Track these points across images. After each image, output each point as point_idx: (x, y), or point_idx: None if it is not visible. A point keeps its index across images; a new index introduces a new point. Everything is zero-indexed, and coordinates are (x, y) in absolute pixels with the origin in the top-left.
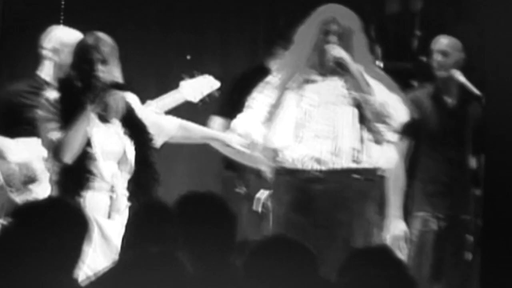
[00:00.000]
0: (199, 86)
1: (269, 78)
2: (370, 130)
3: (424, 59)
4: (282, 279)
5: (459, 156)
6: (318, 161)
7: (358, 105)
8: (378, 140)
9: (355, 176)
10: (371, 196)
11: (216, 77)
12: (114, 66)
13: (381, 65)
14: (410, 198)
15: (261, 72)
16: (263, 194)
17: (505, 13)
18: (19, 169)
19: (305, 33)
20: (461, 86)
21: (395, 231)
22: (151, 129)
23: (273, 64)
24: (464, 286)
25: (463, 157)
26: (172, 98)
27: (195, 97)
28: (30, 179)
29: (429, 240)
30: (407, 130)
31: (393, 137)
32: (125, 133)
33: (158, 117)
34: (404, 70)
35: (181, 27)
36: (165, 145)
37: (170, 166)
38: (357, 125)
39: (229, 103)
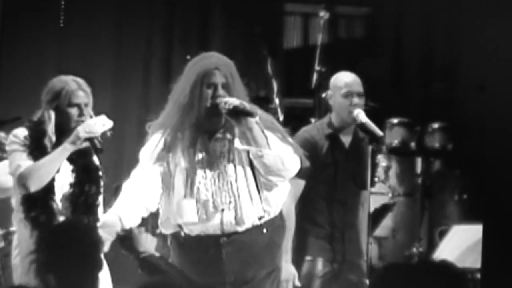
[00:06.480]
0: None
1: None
2: (261, 181)
3: (324, 95)
4: None
5: (353, 200)
6: (222, 231)
7: (249, 160)
8: (269, 187)
9: (263, 231)
10: (279, 243)
11: None
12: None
13: (277, 101)
14: (301, 241)
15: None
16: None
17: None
18: None
19: (183, 89)
20: (361, 125)
21: (284, 274)
22: None
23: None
24: None
25: (357, 201)
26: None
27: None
28: None
29: (320, 284)
30: (299, 172)
31: (283, 183)
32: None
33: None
34: (303, 107)
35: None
36: None
37: None
38: (253, 183)
39: None
